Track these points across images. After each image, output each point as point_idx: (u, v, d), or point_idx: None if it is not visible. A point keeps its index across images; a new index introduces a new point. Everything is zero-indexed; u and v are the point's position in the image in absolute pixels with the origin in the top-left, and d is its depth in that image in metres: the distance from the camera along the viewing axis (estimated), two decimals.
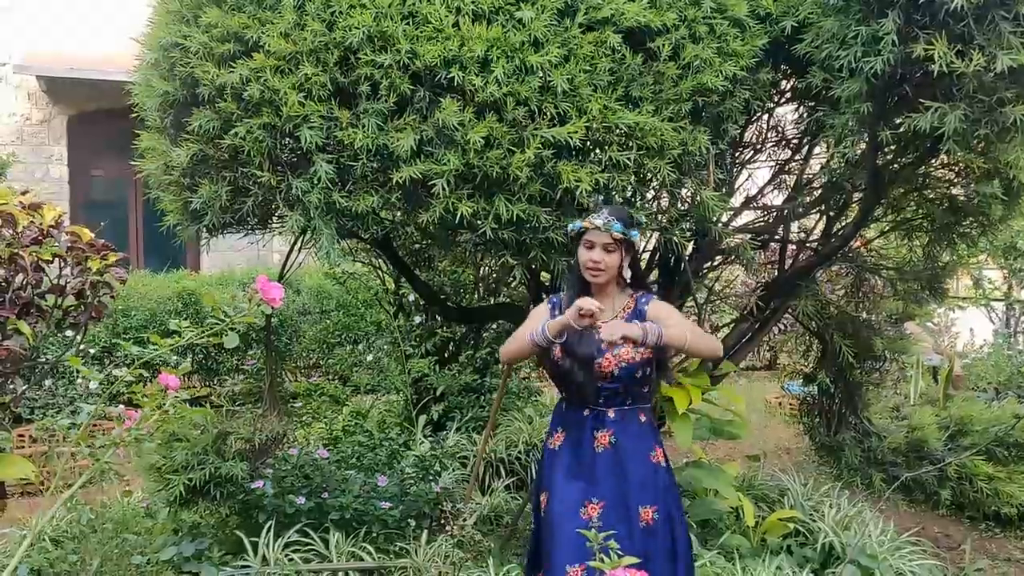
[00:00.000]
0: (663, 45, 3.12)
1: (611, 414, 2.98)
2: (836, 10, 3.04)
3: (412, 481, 4.43)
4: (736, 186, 4.24)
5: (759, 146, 4.36)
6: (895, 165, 3.76)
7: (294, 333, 8.43)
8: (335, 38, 2.99)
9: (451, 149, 2.99)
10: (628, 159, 3.09)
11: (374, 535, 4.04)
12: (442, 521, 4.02)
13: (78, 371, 6.77)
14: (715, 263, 4.56)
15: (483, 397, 6.07)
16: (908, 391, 6.77)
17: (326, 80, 3.00)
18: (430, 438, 5.46)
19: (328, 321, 8.67)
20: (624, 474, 2.94)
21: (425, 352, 6.17)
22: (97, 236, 3.20)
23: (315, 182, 3.06)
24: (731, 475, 4.29)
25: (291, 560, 3.73)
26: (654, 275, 4.47)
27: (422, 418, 5.80)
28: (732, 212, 4.22)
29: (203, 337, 2.67)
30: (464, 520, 3.89)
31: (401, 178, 2.98)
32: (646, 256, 4.45)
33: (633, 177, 3.24)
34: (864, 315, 5.08)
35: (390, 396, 6.88)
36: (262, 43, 3.05)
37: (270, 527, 3.84)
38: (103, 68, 9.92)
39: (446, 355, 6.37)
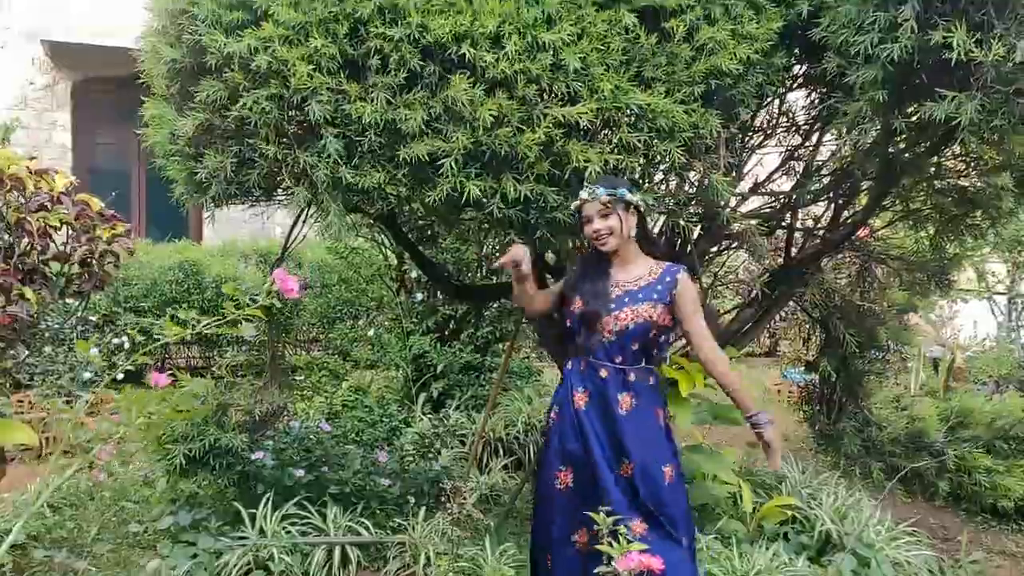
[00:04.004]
0: (678, 26, 3.08)
1: (632, 376, 3.00)
2: None
3: (412, 458, 4.43)
4: (745, 171, 4.21)
5: (769, 131, 4.32)
6: (907, 154, 3.73)
7: (295, 306, 8.41)
8: (345, 9, 2.94)
9: (460, 126, 2.95)
10: (638, 140, 3.06)
11: (372, 510, 4.04)
12: (441, 499, 4.02)
13: (76, 340, 6.78)
14: (721, 248, 4.53)
15: (483, 376, 6.07)
16: (909, 382, 6.76)
17: (335, 52, 2.96)
18: (429, 416, 5.46)
19: (329, 295, 8.64)
20: (643, 434, 2.99)
21: (426, 329, 6.17)
22: (106, 206, 3.18)
23: (323, 156, 3.03)
24: (730, 460, 4.29)
25: (288, 533, 3.74)
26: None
27: (422, 395, 5.80)
28: (740, 197, 4.19)
29: (217, 327, 2.65)
30: (464, 498, 3.89)
31: (409, 155, 2.96)
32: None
33: (642, 159, 3.21)
34: (868, 304, 5.07)
35: (390, 372, 6.87)
36: (271, 12, 3.00)
37: (268, 499, 3.84)
38: (109, 34, 9.83)
39: (447, 333, 6.37)
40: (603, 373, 3.01)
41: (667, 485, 2.94)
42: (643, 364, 3.03)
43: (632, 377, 2.99)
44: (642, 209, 3.08)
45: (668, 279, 3.00)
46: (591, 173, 3.00)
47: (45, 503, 4.10)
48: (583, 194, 2.98)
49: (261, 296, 2.61)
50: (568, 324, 3.13)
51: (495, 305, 6.30)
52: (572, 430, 3.05)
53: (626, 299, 2.97)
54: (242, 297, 2.61)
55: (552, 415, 3.15)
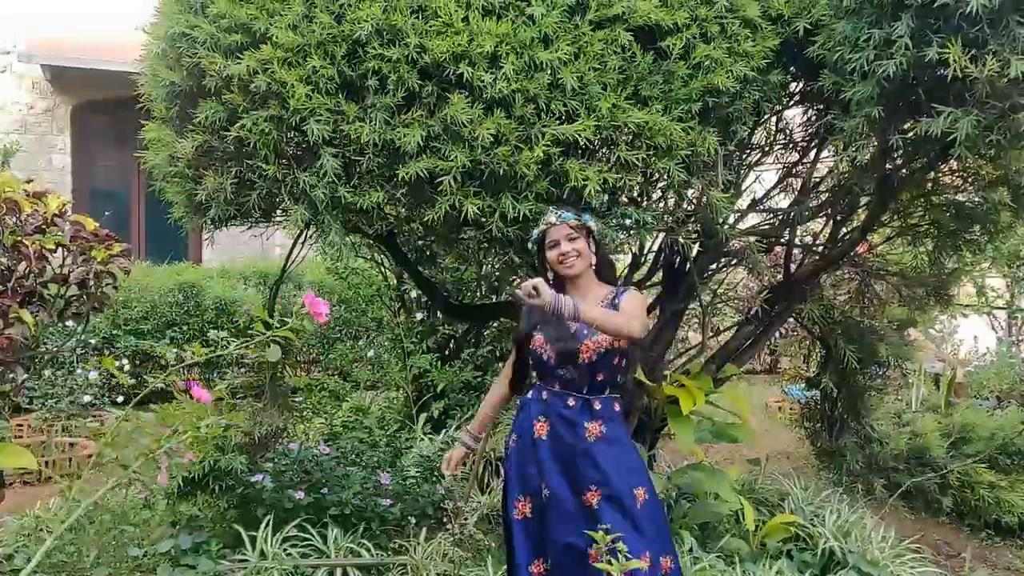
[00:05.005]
0: (674, 44, 3.09)
1: (597, 404, 2.98)
2: (849, 12, 3.02)
3: (415, 480, 4.41)
4: (743, 188, 4.22)
5: (767, 148, 4.33)
6: (904, 170, 3.74)
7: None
8: (343, 31, 2.97)
9: (458, 145, 2.97)
10: (636, 158, 3.07)
11: (373, 532, 4.02)
12: (442, 519, 4.00)
13: (76, 362, 6.77)
14: (720, 265, 4.53)
15: (484, 395, 6.04)
16: (910, 398, 6.75)
17: (334, 73, 2.98)
18: (430, 435, 5.44)
19: (329, 316, 8.64)
20: (614, 460, 2.95)
21: (426, 349, 6.15)
22: (100, 226, 3.18)
23: (321, 176, 3.04)
24: (732, 478, 4.27)
25: (289, 555, 3.72)
26: (658, 276, 4.46)
27: (422, 415, 5.78)
28: (738, 214, 4.19)
29: (245, 347, 2.68)
30: (465, 519, 3.86)
31: (408, 174, 2.96)
32: (651, 256, 4.44)
33: (641, 176, 3.22)
34: (868, 320, 5.06)
35: (390, 393, 6.85)
36: (270, 35, 3.02)
37: (268, 521, 3.82)
38: (109, 57, 9.87)
39: (447, 352, 6.35)
40: (571, 402, 2.99)
41: (639, 509, 2.89)
42: (607, 393, 3.02)
43: (597, 406, 2.99)
44: (601, 240, 3.08)
45: (616, 300, 2.99)
46: (590, 191, 3.01)
47: (44, 528, 4.07)
48: (550, 218, 2.97)
49: (293, 320, 2.64)
50: (532, 360, 3.10)
51: (495, 324, 6.29)
52: (530, 459, 3.04)
53: (584, 331, 2.93)
54: (258, 321, 2.62)
55: (511, 442, 3.14)
